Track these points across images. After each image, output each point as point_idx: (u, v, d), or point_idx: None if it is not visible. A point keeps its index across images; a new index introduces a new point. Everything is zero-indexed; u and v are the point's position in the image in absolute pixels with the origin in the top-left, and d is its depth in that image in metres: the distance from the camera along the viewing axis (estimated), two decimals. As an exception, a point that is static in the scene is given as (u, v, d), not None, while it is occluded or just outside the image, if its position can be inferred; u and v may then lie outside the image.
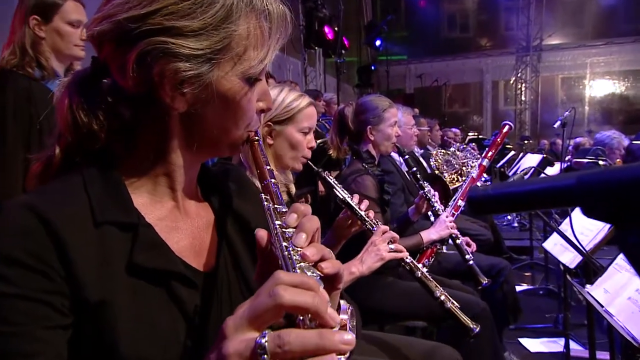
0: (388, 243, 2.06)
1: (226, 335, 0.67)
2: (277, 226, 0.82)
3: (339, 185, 2.09)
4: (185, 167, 0.97)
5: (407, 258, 2.11)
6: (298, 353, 0.64)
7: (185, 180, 0.99)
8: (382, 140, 3.02)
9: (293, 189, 2.14)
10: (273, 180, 0.95)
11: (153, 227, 0.89)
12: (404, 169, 3.92)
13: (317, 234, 0.83)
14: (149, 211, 0.93)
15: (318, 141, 3.61)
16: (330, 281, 0.81)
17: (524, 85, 18.03)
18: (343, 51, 8.52)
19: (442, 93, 16.62)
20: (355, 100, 3.21)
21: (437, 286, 2.17)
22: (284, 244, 0.78)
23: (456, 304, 2.16)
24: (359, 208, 2.06)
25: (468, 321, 2.16)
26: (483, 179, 6.42)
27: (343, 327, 0.81)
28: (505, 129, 3.41)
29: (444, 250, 3.59)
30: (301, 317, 0.68)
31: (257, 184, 1.01)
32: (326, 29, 10.58)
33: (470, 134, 11.86)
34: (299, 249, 0.78)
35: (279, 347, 0.63)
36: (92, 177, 0.88)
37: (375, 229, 2.07)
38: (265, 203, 0.88)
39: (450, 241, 3.01)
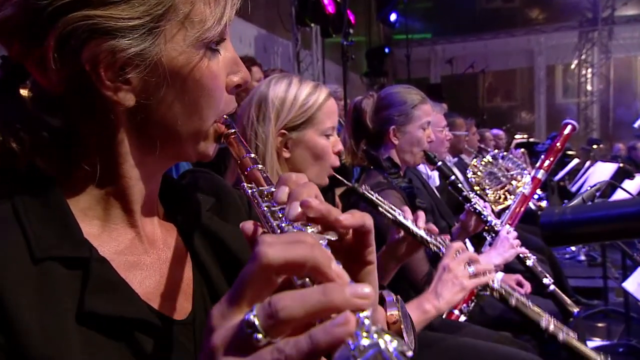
0: (465, 265, 2.10)
1: (212, 326, 0.66)
2: (265, 208, 0.83)
3: (385, 202, 2.14)
4: (143, 180, 0.98)
5: (493, 282, 2.15)
6: (299, 319, 0.62)
7: (145, 198, 1.00)
8: (408, 146, 3.07)
9: None
10: (259, 166, 0.97)
11: (109, 261, 0.90)
12: (433, 183, 3.95)
13: (318, 198, 0.84)
14: (103, 243, 0.94)
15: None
16: (353, 252, 0.82)
17: (590, 70, 18.07)
18: (350, 30, 8.56)
19: (478, 83, 16.71)
20: (375, 91, 3.24)
21: (541, 313, 2.21)
22: (275, 223, 0.79)
23: (572, 333, 2.19)
24: (417, 225, 2.11)
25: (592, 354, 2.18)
26: (536, 196, 6.45)
27: (395, 326, 0.79)
28: (567, 130, 3.45)
29: (487, 292, 3.58)
30: (299, 282, 0.67)
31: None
32: (325, 0, 10.64)
33: (517, 136, 11.92)
34: (294, 224, 0.79)
35: (271, 317, 0.62)
36: (25, 203, 0.89)
37: (443, 249, 2.12)
38: (249, 190, 0.90)
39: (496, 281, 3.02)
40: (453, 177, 3.11)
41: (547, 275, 3.00)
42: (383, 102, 3.08)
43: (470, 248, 3.78)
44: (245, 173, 0.96)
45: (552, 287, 2.96)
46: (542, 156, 3.44)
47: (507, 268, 3.77)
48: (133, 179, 0.97)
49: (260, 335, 0.62)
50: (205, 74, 0.93)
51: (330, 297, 0.62)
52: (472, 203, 2.98)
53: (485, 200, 4.86)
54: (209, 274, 1.03)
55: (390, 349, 0.57)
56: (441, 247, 2.12)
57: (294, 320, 0.61)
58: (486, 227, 3.04)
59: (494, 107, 18.36)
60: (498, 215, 4.75)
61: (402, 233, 2.15)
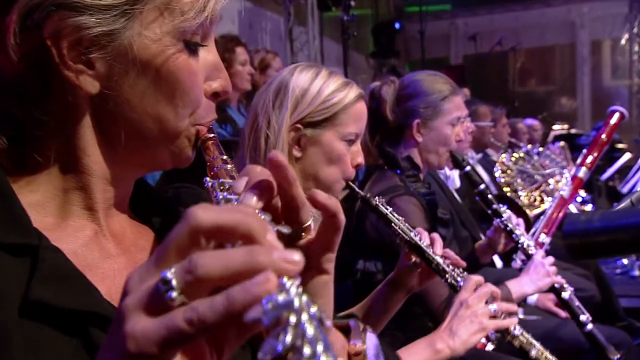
0: (486, 302, 2.13)
1: (128, 290, 0.70)
2: (220, 197, 0.88)
3: (399, 218, 2.17)
4: (108, 179, 1.03)
5: (515, 328, 2.20)
6: (219, 278, 0.66)
7: (111, 200, 1.05)
8: (433, 145, 3.10)
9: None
10: (228, 166, 1.02)
11: (63, 253, 0.93)
12: (452, 185, 3.94)
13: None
14: (58, 238, 0.97)
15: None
16: (310, 255, 0.87)
17: (642, 47, 18.04)
18: (352, 2, 8.55)
19: (508, 63, 16.70)
20: (372, 76, 3.25)
21: None
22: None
23: None
24: (433, 252, 2.14)
25: None
26: (579, 199, 6.45)
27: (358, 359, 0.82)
28: (614, 119, 3.46)
29: (521, 316, 3.59)
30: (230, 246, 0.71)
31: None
32: (322, -34, 10.64)
33: (556, 127, 11.92)
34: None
35: (189, 272, 0.66)
36: None
37: (461, 282, 2.15)
38: (209, 183, 0.95)
39: (528, 303, 3.02)
40: (483, 186, 3.10)
41: (585, 311, 2.99)
42: (407, 91, 3.11)
43: (499, 263, 3.79)
44: (212, 173, 1.01)
45: (589, 326, 2.96)
46: (585, 151, 3.43)
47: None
48: (95, 176, 1.01)
49: (174, 294, 0.66)
50: (181, 67, 0.98)
51: (256, 258, 0.66)
52: (503, 219, 2.98)
53: (516, 206, 4.86)
54: None
55: (307, 310, 0.61)
56: (459, 279, 2.15)
57: (213, 279, 0.66)
58: (519, 249, 3.05)
59: (527, 92, 18.33)
60: (533, 220, 4.75)
61: (413, 259, 2.17)
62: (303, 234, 0.94)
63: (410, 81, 3.14)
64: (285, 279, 0.66)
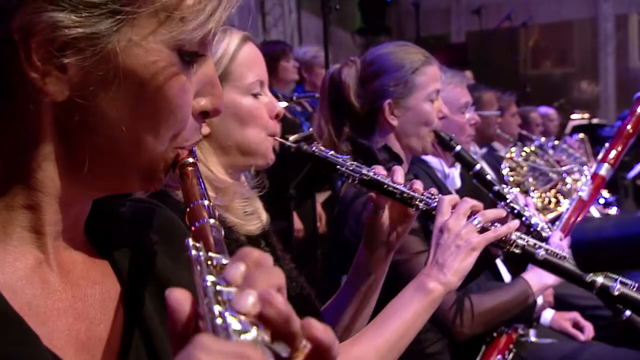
0: (468, 218, 2.11)
1: None
2: (209, 284, 0.86)
3: (345, 158, 2.15)
4: (63, 199, 1.02)
5: (515, 234, 2.14)
6: None
7: (64, 222, 1.04)
8: (412, 126, 3.10)
9: (264, 217, 2.23)
10: (212, 222, 1.00)
11: None
12: (451, 185, 3.95)
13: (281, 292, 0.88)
14: None
15: (292, 137, 3.59)
16: None
17: (674, 22, 18.15)
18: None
19: (519, 41, 16.78)
20: (360, 55, 3.24)
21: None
22: (217, 309, 0.82)
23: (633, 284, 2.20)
24: (394, 181, 2.10)
25: None
26: (602, 200, 6.48)
27: None
28: (642, 107, 3.46)
29: (533, 339, 3.60)
30: None
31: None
32: None
33: (574, 116, 11.98)
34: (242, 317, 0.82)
35: None
36: None
37: (434, 204, 2.12)
38: (193, 251, 0.93)
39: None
40: (478, 166, 3.08)
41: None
42: (371, 69, 3.10)
43: (507, 277, 3.79)
44: (193, 228, 1.00)
45: (627, 312, 2.94)
46: (607, 144, 3.43)
47: (560, 303, 3.80)
48: (49, 195, 1.00)
49: None
50: (172, 83, 0.98)
51: None
52: (508, 201, 2.95)
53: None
54: (149, 326, 1.07)
55: None
56: (431, 201, 2.11)
57: None
58: (529, 233, 2.97)
59: (541, 75, 18.42)
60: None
61: (375, 200, 2.13)
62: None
63: (373, 57, 3.13)
64: None
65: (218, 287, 0.86)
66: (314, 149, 2.14)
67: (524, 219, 2.91)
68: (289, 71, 7.28)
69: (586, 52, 19.06)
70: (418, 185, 2.12)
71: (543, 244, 2.15)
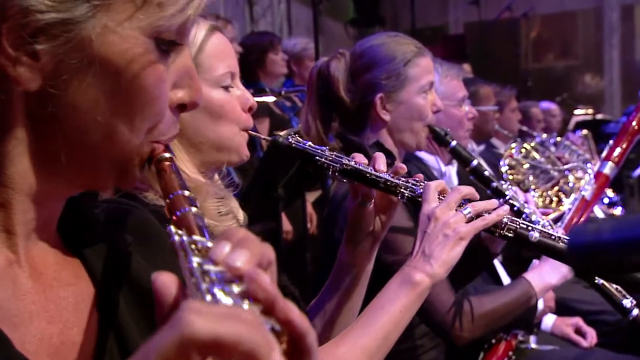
0: (458, 207, 2.11)
1: None
2: (195, 265, 0.87)
3: (323, 148, 2.14)
4: (35, 196, 1.02)
5: (506, 218, 2.13)
6: None
7: (36, 221, 1.04)
8: (405, 121, 3.10)
9: (242, 216, 2.21)
10: (194, 210, 1.01)
11: None
12: (448, 183, 3.95)
13: (270, 270, 0.89)
14: None
15: (282, 132, 3.60)
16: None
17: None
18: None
19: (520, 33, 16.79)
20: (350, 47, 3.24)
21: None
22: (205, 286, 0.84)
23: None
24: (376, 169, 2.10)
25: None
26: (606, 200, 6.49)
27: None
28: (648, 103, 3.46)
29: (534, 346, 3.61)
30: None
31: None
32: None
33: (578, 112, 12.00)
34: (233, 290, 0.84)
35: None
36: None
37: (419, 191, 2.12)
38: (176, 237, 0.94)
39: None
40: (475, 162, 3.09)
41: (627, 295, 2.96)
42: (361, 62, 3.10)
43: (506, 279, 3.80)
44: (174, 217, 1.00)
45: (635, 311, 2.93)
46: (611, 142, 3.44)
47: (562, 307, 3.81)
48: (19, 192, 1.00)
49: None
50: (148, 72, 0.98)
51: None
52: (507, 197, 2.96)
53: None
54: (123, 328, 1.07)
55: None
56: (416, 188, 2.11)
57: None
58: None
59: (542, 68, 18.43)
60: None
61: (362, 192, 2.13)
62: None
63: (364, 49, 3.12)
64: None
65: (205, 267, 0.87)
66: (290, 140, 2.14)
67: (524, 216, 2.92)
68: (277, 64, 7.25)
69: (590, 44, 19.07)
70: (402, 167, 2.12)
71: (536, 225, 2.16)
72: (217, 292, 0.82)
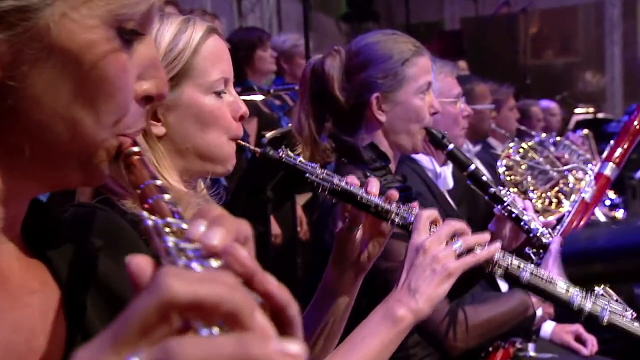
0: (448, 241, 2.10)
1: None
2: (171, 244, 0.88)
3: (314, 166, 2.14)
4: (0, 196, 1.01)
5: (497, 255, 2.13)
6: None
7: (1, 221, 1.03)
8: (401, 123, 3.09)
9: None
10: (166, 197, 1.01)
11: None
12: (443, 185, 3.95)
13: (248, 246, 0.90)
14: None
15: (270, 133, 3.58)
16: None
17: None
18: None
19: (518, 29, 16.82)
20: (345, 44, 3.23)
21: (570, 290, 2.20)
22: (182, 262, 0.85)
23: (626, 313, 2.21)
24: (367, 192, 2.09)
25: None
26: (607, 201, 6.50)
27: None
28: (650, 102, 3.46)
29: (532, 354, 3.61)
30: (205, 331, 0.72)
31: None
32: None
33: (578, 110, 12.02)
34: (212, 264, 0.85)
35: None
36: None
37: (411, 218, 2.11)
38: (149, 222, 0.94)
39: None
40: (473, 167, 3.08)
41: (628, 308, 2.96)
42: (357, 60, 3.08)
43: (504, 286, 3.79)
44: (146, 205, 1.00)
45: (637, 324, 2.93)
46: (612, 142, 3.44)
47: (561, 313, 3.80)
48: None
49: None
50: (110, 62, 0.98)
51: (248, 350, 0.68)
52: (505, 204, 2.96)
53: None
54: (91, 334, 1.06)
55: None
56: (408, 216, 2.10)
57: None
58: (529, 240, 3.02)
59: (542, 65, 18.46)
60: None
61: (349, 216, 2.13)
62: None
63: (360, 47, 3.11)
64: None
65: (181, 245, 0.87)
66: (281, 154, 2.13)
67: (522, 223, 2.94)
68: (266, 61, 7.23)
69: (591, 40, 19.11)
70: (394, 194, 2.12)
71: (528, 265, 2.16)
72: (196, 267, 0.82)
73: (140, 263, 0.84)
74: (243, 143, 2.17)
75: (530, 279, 2.13)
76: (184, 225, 0.93)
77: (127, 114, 1.03)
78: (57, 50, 0.93)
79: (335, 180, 2.08)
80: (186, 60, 2.04)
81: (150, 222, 0.94)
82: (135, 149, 1.08)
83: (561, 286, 2.16)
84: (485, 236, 2.14)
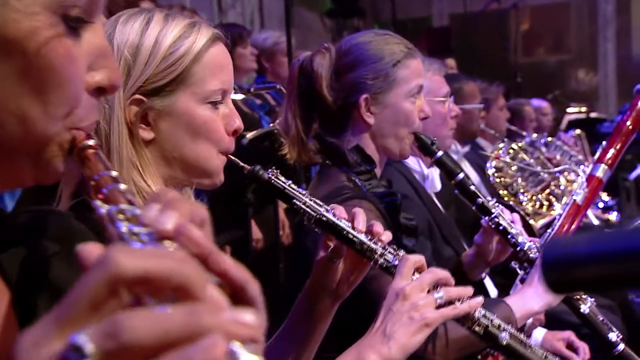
0: (430, 290, 2.09)
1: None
2: (124, 229, 0.89)
3: (303, 192, 2.15)
4: None
5: (478, 311, 2.13)
6: (149, 344, 0.68)
7: None
8: (390, 126, 3.09)
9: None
10: (121, 187, 1.02)
11: None
12: (431, 188, 3.95)
13: (204, 229, 0.91)
14: None
15: (250, 134, 3.57)
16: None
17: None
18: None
19: (509, 25, 16.86)
20: (330, 41, 3.22)
21: (547, 357, 2.25)
22: (137, 246, 0.86)
23: None
24: (354, 227, 2.10)
25: None
26: (600, 204, 6.51)
27: None
28: (645, 100, 3.47)
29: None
30: (156, 306, 0.73)
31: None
32: None
33: (570, 110, 12.06)
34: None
35: (111, 337, 0.67)
36: None
37: (395, 261, 2.11)
38: (102, 209, 0.96)
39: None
40: (461, 175, 3.06)
41: (614, 329, 2.99)
42: (347, 60, 3.07)
43: (493, 291, 3.81)
44: (101, 195, 1.00)
45: (621, 346, 2.96)
46: (604, 143, 3.44)
47: (552, 320, 3.81)
48: None
49: None
50: (57, 52, 0.97)
51: (199, 320, 0.69)
52: (493, 216, 2.96)
53: (514, 211, 4.91)
54: None
55: None
56: (393, 258, 2.11)
57: (143, 347, 0.67)
58: (516, 254, 3.03)
59: (533, 63, 18.51)
60: (540, 233, 4.77)
61: (331, 245, 2.14)
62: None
63: (350, 46, 3.10)
64: (236, 346, 0.69)
65: (135, 230, 0.88)
66: (270, 175, 2.12)
67: (509, 236, 2.95)
68: (246, 59, 7.19)
69: (584, 37, 19.16)
70: (379, 228, 2.12)
71: (508, 327, 2.18)
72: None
73: (92, 250, 0.84)
74: (233, 158, 2.15)
75: (509, 340, 2.15)
76: (138, 212, 0.93)
77: (79, 106, 1.03)
78: (1, 40, 0.92)
79: (323, 210, 2.09)
80: (185, 67, 2.01)
81: (103, 210, 0.94)
82: (90, 142, 1.08)
83: (539, 355, 2.21)
84: (469, 290, 2.12)
